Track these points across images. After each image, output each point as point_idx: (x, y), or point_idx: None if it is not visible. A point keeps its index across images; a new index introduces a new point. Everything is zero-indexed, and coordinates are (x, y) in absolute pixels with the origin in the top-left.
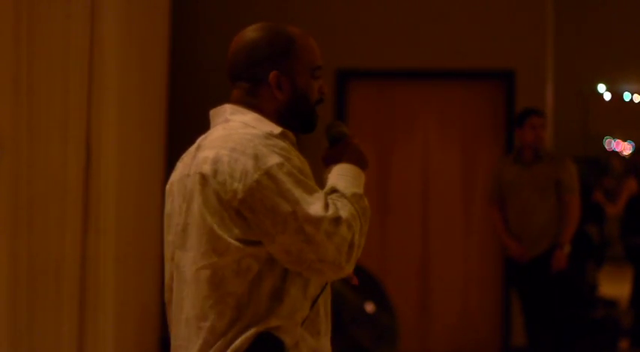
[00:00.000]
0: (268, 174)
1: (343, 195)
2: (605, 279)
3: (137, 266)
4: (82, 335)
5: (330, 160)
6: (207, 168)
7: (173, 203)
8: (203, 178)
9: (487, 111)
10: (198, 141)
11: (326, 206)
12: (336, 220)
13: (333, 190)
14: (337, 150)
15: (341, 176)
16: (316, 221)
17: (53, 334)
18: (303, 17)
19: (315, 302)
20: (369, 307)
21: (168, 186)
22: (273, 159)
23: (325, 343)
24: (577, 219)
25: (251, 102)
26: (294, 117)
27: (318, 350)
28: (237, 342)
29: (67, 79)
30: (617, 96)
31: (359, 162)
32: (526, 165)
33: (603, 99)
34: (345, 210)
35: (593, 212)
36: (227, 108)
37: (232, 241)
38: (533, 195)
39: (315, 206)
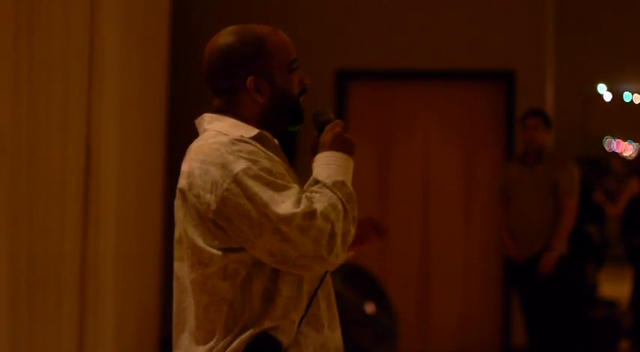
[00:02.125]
0: (236, 180)
1: (324, 185)
2: (605, 279)
3: (137, 265)
4: (82, 335)
5: (315, 150)
6: (183, 183)
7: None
8: (181, 193)
9: (487, 111)
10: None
11: (297, 202)
12: (310, 214)
13: (316, 181)
14: (321, 139)
15: (324, 165)
16: (287, 219)
17: (53, 334)
18: (302, 17)
19: (312, 297)
20: (369, 307)
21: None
22: (239, 165)
23: (332, 336)
24: (571, 223)
25: (230, 109)
26: (279, 115)
27: (325, 344)
28: (234, 345)
29: (67, 79)
30: (617, 97)
31: (343, 147)
32: (528, 166)
33: (603, 100)
34: (321, 202)
35: (593, 212)
36: (205, 117)
37: (215, 251)
38: (533, 196)
39: (285, 204)
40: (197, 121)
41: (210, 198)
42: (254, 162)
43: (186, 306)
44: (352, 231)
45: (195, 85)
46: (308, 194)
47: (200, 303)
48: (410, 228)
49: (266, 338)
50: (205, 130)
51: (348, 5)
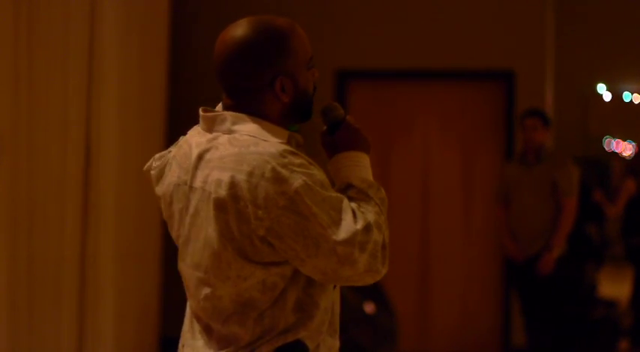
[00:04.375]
0: (293, 199)
1: (361, 191)
2: (605, 279)
3: (137, 265)
4: (82, 335)
5: (334, 148)
6: (223, 194)
7: (171, 207)
8: (220, 204)
9: (487, 111)
10: (193, 142)
11: (354, 217)
12: (367, 228)
13: (349, 185)
14: (340, 137)
15: (351, 167)
16: (350, 239)
17: (53, 333)
18: (302, 17)
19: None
20: (369, 307)
21: (165, 187)
22: (297, 182)
23: (338, 341)
24: (570, 222)
25: (252, 109)
26: (295, 114)
27: (333, 347)
28: (263, 349)
29: (67, 79)
30: (617, 97)
31: (363, 146)
32: (528, 166)
33: (603, 100)
34: (371, 212)
35: (593, 212)
36: (227, 116)
37: (257, 265)
38: (532, 196)
39: (345, 222)
40: (210, 116)
41: (262, 214)
42: (309, 176)
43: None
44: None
45: (195, 85)
46: (355, 205)
47: (226, 311)
48: (410, 228)
49: (297, 345)
50: (231, 132)
51: (348, 5)
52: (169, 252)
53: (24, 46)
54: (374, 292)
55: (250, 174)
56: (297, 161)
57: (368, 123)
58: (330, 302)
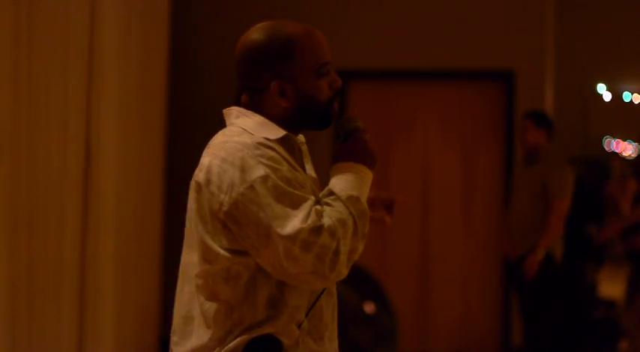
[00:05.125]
0: (252, 187)
1: (338, 198)
2: (604, 279)
3: (137, 266)
4: (82, 335)
5: (337, 158)
6: (201, 177)
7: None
8: (198, 186)
9: (487, 111)
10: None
11: (307, 216)
12: (316, 229)
13: (330, 192)
14: (345, 147)
15: (343, 175)
16: (292, 236)
17: (53, 333)
18: (302, 17)
19: (312, 306)
20: (369, 307)
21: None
22: (258, 172)
23: (329, 348)
24: (558, 224)
25: (256, 107)
26: (306, 119)
27: None
28: (231, 345)
29: (67, 79)
30: (617, 97)
31: (365, 160)
32: (525, 167)
33: (603, 100)
34: (331, 217)
35: (593, 212)
36: (234, 111)
37: (221, 251)
38: (524, 197)
39: (295, 219)
40: (225, 112)
41: (224, 198)
42: (274, 170)
43: (185, 293)
44: (360, 248)
45: (195, 85)
46: (319, 207)
47: (199, 297)
48: (410, 228)
49: (268, 338)
50: (231, 124)
51: (348, 5)
52: (169, 252)
53: (24, 46)
54: (374, 292)
55: (223, 160)
56: (270, 154)
57: (368, 123)
58: (305, 301)
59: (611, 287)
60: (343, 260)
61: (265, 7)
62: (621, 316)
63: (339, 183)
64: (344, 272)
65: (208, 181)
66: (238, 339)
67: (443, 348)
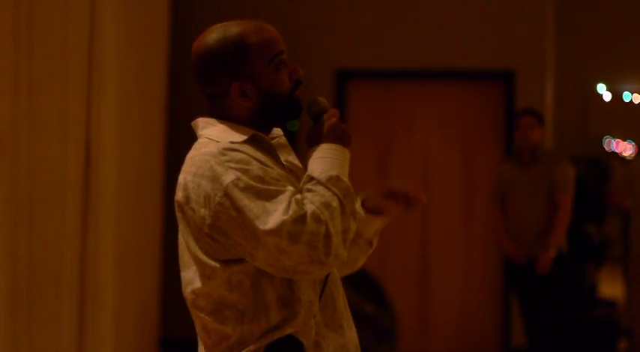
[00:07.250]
0: (227, 193)
1: (318, 182)
2: (604, 279)
3: (137, 265)
4: (82, 334)
5: (311, 141)
6: (180, 196)
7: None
8: (179, 206)
9: (487, 111)
10: None
11: (287, 208)
12: (300, 218)
13: (310, 178)
14: (315, 130)
15: (319, 159)
16: (276, 230)
17: (53, 333)
18: (302, 17)
19: (320, 297)
20: (369, 307)
21: None
22: (229, 177)
23: (351, 336)
24: (566, 220)
25: (221, 113)
26: (271, 115)
27: (346, 345)
28: (252, 347)
29: (67, 79)
30: (617, 97)
31: (338, 139)
32: (523, 166)
33: (603, 100)
34: (313, 202)
35: (592, 211)
36: (199, 122)
37: (217, 264)
38: (528, 196)
39: (276, 213)
40: (193, 125)
41: (204, 212)
42: (244, 171)
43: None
44: (353, 226)
45: (195, 86)
46: (298, 196)
47: (204, 309)
48: (409, 228)
49: (288, 340)
50: (200, 136)
51: (347, 5)
52: (169, 252)
53: (24, 47)
54: (374, 292)
55: (195, 174)
56: (237, 157)
57: (368, 123)
58: (315, 294)
59: (611, 287)
60: (337, 241)
61: (265, 8)
62: (621, 316)
63: (317, 166)
64: (342, 253)
65: (187, 199)
66: (257, 343)
67: (443, 348)
